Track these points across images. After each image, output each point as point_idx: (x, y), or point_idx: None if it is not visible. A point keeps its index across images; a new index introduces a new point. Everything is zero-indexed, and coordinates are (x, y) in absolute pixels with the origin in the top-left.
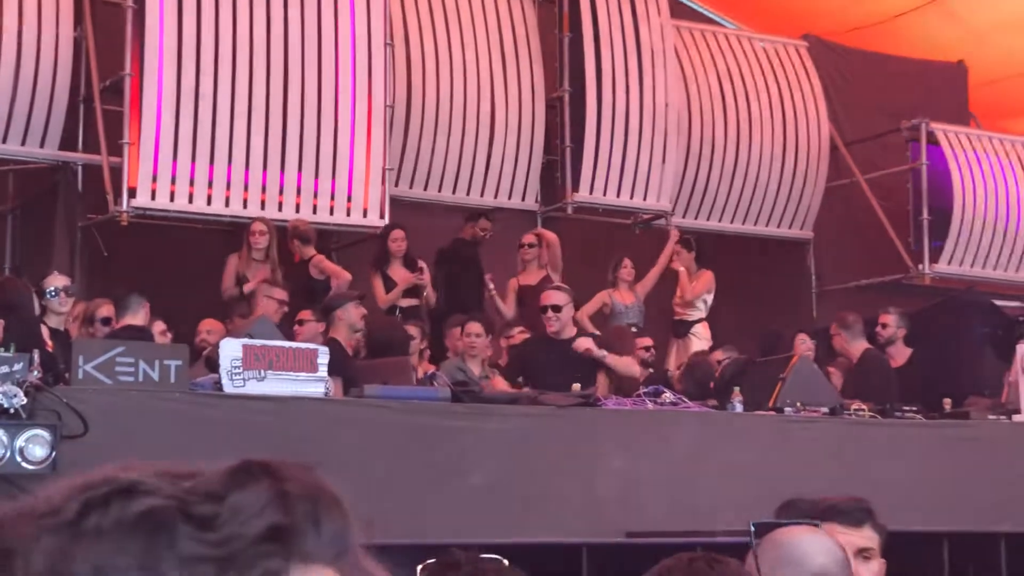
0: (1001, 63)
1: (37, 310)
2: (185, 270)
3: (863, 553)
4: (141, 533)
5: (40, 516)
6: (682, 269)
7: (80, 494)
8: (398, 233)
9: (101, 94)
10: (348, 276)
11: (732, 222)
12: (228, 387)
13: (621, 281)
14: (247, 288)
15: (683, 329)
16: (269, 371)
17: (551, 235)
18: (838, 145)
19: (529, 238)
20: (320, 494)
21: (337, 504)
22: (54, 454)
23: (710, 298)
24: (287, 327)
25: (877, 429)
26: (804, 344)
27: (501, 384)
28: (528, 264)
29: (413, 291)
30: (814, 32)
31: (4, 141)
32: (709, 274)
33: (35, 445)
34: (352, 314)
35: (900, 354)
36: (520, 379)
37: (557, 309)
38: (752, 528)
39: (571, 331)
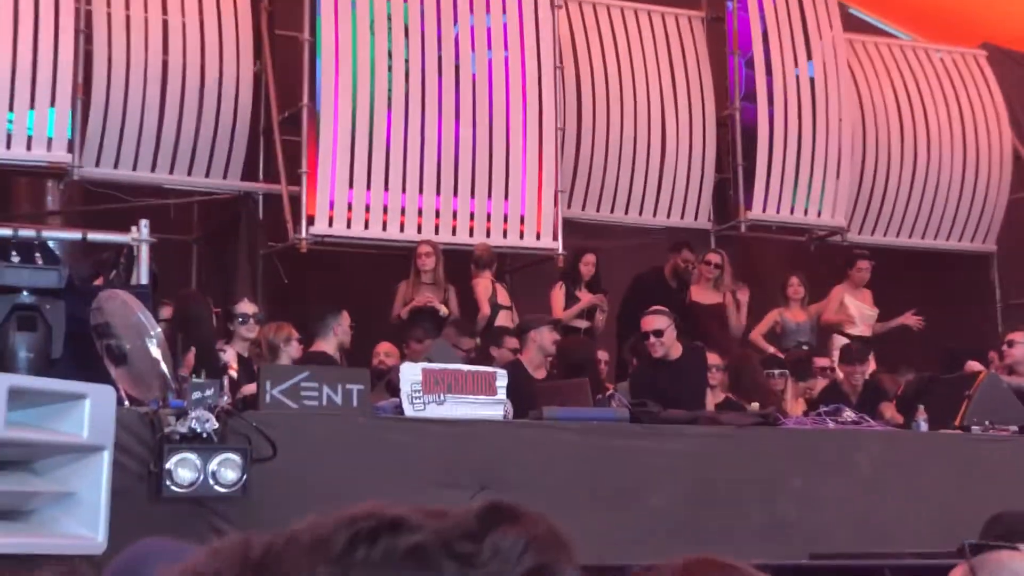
0: None
1: (222, 334)
2: (362, 296)
3: None
4: (409, 567)
5: (310, 548)
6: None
7: (348, 527)
8: (590, 257)
9: (280, 125)
10: (486, 312)
11: (911, 237)
12: (409, 411)
13: (791, 300)
14: (404, 311)
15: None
16: (448, 394)
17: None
18: (1021, 155)
19: (715, 258)
20: (560, 539)
21: (571, 549)
22: (245, 477)
23: (871, 314)
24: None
25: None
26: (994, 363)
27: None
28: (705, 282)
29: (588, 314)
30: (993, 40)
31: (189, 173)
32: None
33: (227, 468)
34: (546, 337)
35: None
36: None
37: (659, 334)
38: (967, 546)
39: (677, 351)
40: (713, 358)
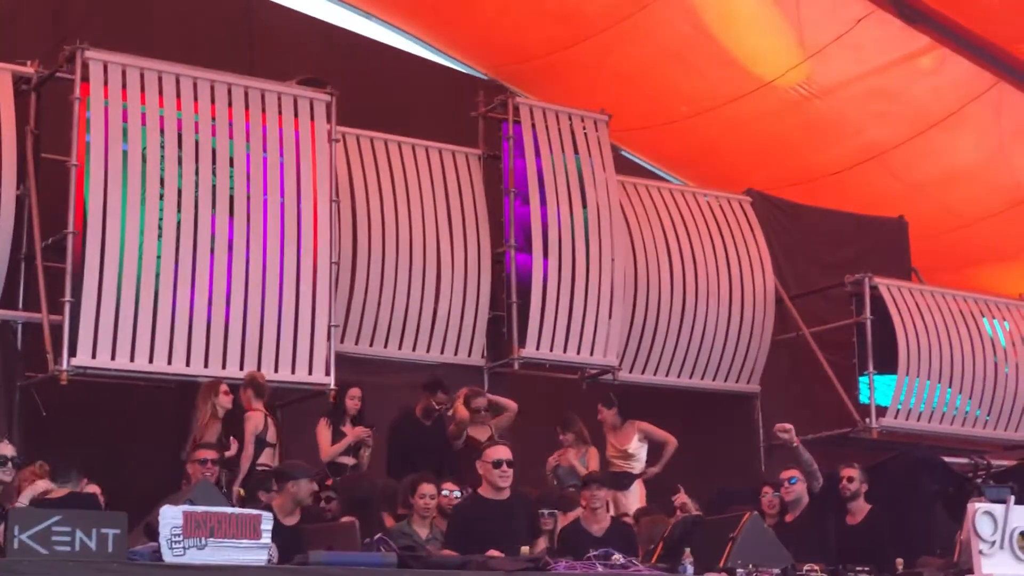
0: (941, 217)
1: None
2: (126, 427)
3: None
4: None
5: None
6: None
7: None
8: (355, 391)
9: (43, 252)
10: (249, 454)
11: (679, 376)
12: (168, 556)
13: (564, 444)
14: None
15: (627, 481)
16: (210, 539)
17: (510, 404)
18: (783, 298)
19: (481, 402)
20: None
21: None
22: None
23: (644, 448)
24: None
25: None
26: (767, 497)
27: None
28: (477, 424)
29: (354, 450)
30: (756, 187)
31: None
32: (639, 424)
33: None
34: (303, 490)
35: (860, 511)
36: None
37: (511, 464)
38: None
39: (506, 491)
40: None
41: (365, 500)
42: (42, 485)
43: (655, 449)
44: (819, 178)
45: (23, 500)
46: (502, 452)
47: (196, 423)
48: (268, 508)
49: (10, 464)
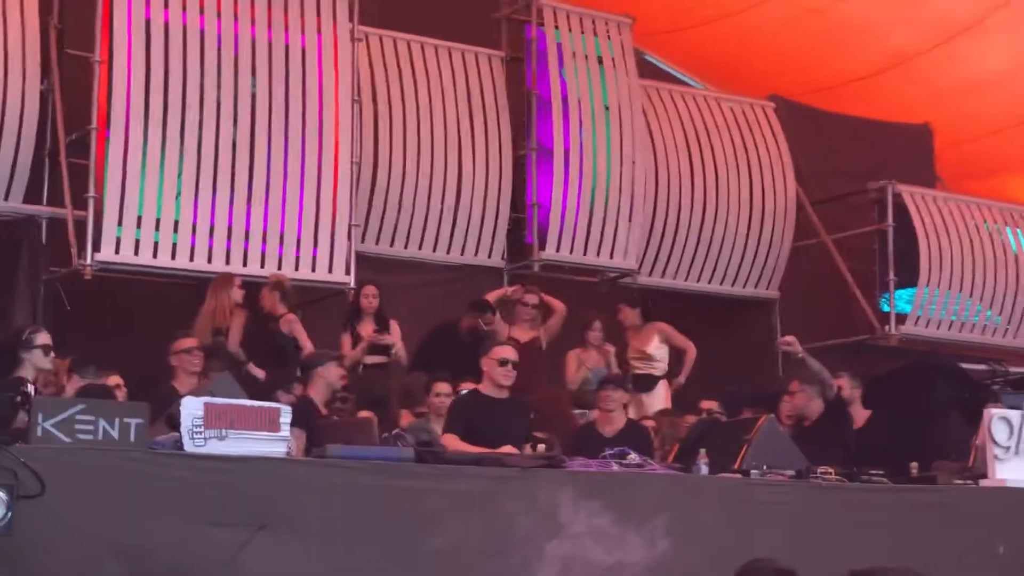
0: (966, 125)
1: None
2: (148, 324)
3: None
4: None
5: None
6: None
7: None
8: (370, 289)
9: (67, 148)
10: (311, 348)
11: (698, 281)
12: (188, 446)
13: (589, 344)
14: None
15: (650, 383)
16: (230, 430)
17: (559, 305)
18: (804, 205)
19: (532, 299)
20: None
21: None
22: (10, 514)
23: (665, 350)
24: None
25: (844, 493)
26: (786, 404)
27: (454, 443)
28: (522, 323)
29: (381, 349)
30: (780, 93)
31: None
32: (659, 325)
33: None
34: (332, 373)
35: (859, 415)
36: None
37: (516, 365)
38: None
39: (506, 392)
40: None
41: (379, 398)
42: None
43: (675, 354)
44: (843, 84)
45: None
46: (509, 352)
47: (199, 315)
48: (307, 399)
49: (52, 353)
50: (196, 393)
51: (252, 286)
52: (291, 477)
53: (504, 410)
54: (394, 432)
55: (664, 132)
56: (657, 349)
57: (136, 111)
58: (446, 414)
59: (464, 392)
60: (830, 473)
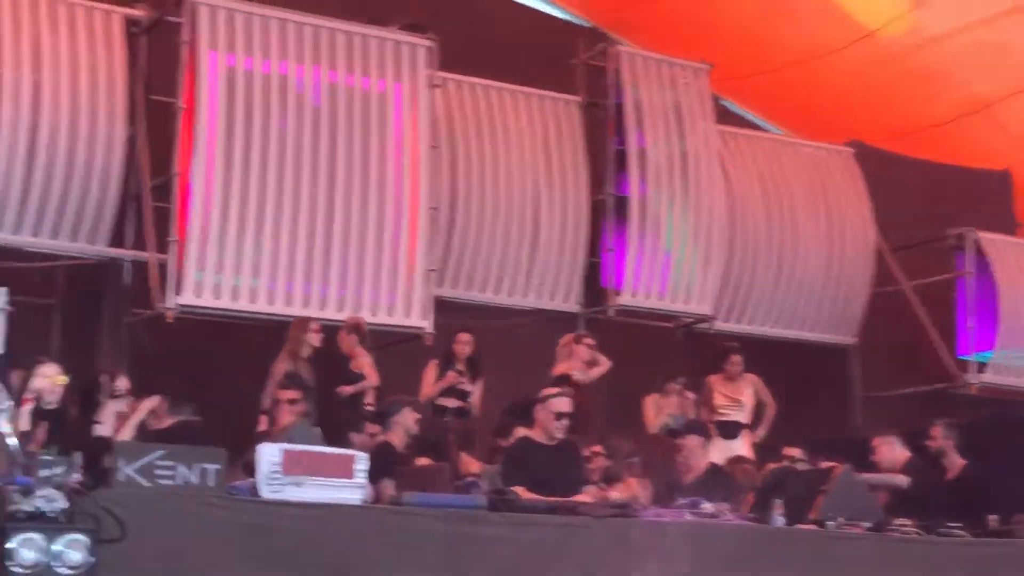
0: None
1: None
2: (229, 365)
3: None
4: None
5: None
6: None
7: None
8: (464, 336)
9: (151, 192)
10: (376, 383)
11: (775, 327)
12: (265, 492)
13: (670, 391)
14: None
15: (733, 430)
16: (307, 477)
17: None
18: (883, 251)
19: (592, 341)
20: None
21: None
22: (92, 559)
23: (753, 401)
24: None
25: (921, 546)
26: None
27: (525, 493)
28: (578, 362)
29: (460, 394)
30: (859, 138)
31: (55, 237)
32: (753, 377)
33: (73, 550)
34: (408, 418)
35: (953, 465)
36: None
37: (571, 417)
38: None
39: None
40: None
41: (435, 443)
42: (154, 407)
43: (757, 409)
44: (923, 130)
45: (132, 422)
46: (566, 406)
47: (277, 359)
48: (387, 445)
49: (129, 398)
50: (274, 440)
51: (330, 329)
52: (366, 524)
53: (558, 455)
54: (469, 480)
55: (741, 177)
56: (749, 399)
57: (218, 156)
58: (503, 463)
59: (516, 440)
60: (908, 525)
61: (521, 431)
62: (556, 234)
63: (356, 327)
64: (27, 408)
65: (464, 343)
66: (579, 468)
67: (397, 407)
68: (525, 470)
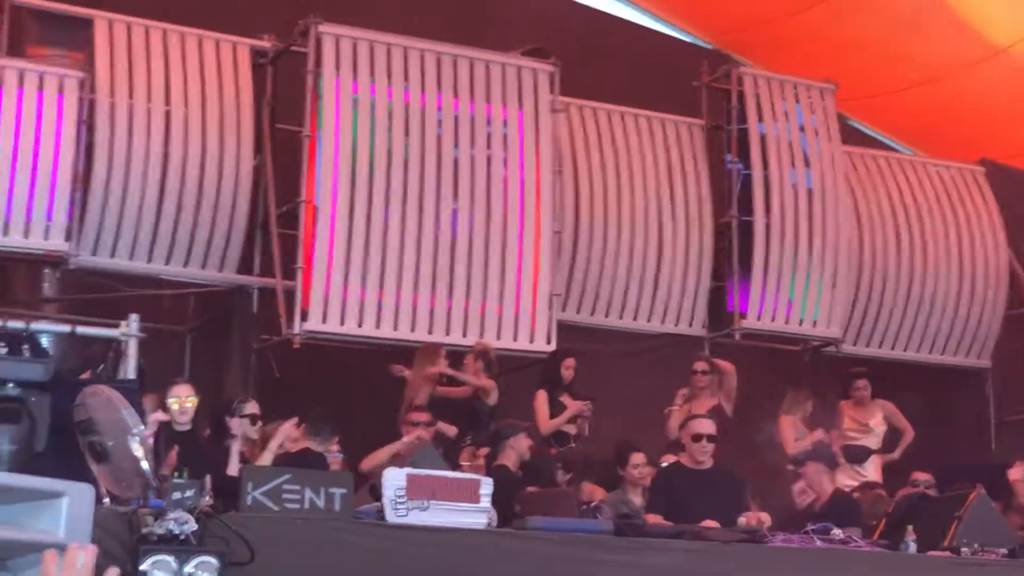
0: None
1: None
2: (354, 390)
3: None
4: None
5: None
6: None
7: None
8: (570, 361)
9: (278, 219)
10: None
11: (906, 350)
12: (391, 517)
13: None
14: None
15: (862, 455)
16: (432, 501)
17: (727, 365)
18: (1017, 272)
19: (702, 365)
20: None
21: None
22: None
23: (884, 427)
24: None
25: None
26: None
27: (656, 519)
28: (701, 392)
29: (571, 420)
30: (990, 156)
31: (186, 265)
32: (885, 403)
33: (204, 572)
34: (522, 443)
35: None
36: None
37: (712, 439)
38: None
39: (708, 462)
40: None
41: (541, 471)
42: (291, 432)
43: (892, 434)
44: None
45: (272, 445)
46: (705, 427)
47: (408, 385)
48: (504, 468)
49: (259, 423)
50: (399, 464)
51: (455, 354)
52: (492, 548)
53: (710, 482)
54: (593, 504)
55: (869, 198)
56: (878, 425)
57: (343, 183)
58: (649, 489)
59: (666, 465)
60: None
61: (670, 457)
62: (680, 257)
63: (483, 353)
64: (156, 418)
65: (570, 367)
66: (731, 494)
67: (513, 431)
68: (671, 497)
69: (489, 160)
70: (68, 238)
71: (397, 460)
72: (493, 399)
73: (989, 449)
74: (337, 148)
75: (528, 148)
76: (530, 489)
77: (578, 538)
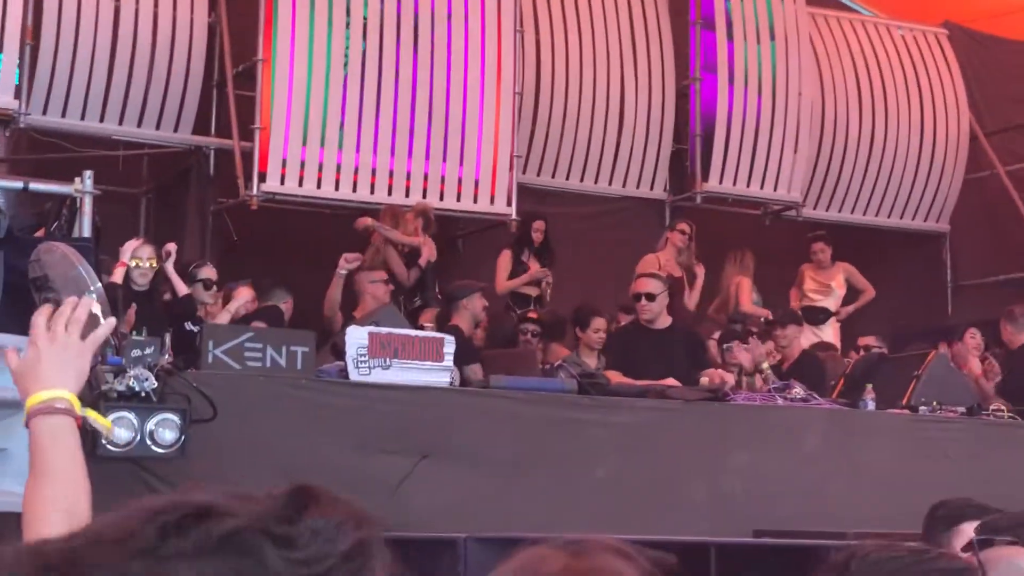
0: None
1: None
2: (311, 254)
3: None
4: (230, 554)
5: (116, 543)
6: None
7: (152, 520)
8: (539, 224)
9: (234, 79)
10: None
11: (865, 214)
12: (354, 375)
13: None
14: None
15: (822, 316)
16: (395, 359)
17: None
18: (978, 135)
19: (686, 227)
20: (371, 517)
21: (381, 527)
22: (183, 438)
23: (844, 289)
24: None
25: (1017, 430)
26: (974, 339)
27: (617, 377)
28: (672, 250)
29: (535, 282)
30: (954, 19)
31: (139, 125)
32: (846, 265)
33: (165, 429)
34: (476, 304)
35: None
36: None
37: (651, 298)
38: (975, 542)
39: (665, 320)
40: None
41: (509, 336)
42: (248, 295)
43: (854, 295)
44: (1018, 10)
45: (231, 307)
46: (642, 285)
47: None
48: (456, 329)
49: (214, 287)
50: (361, 323)
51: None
52: (455, 407)
53: (667, 341)
54: (557, 363)
55: (832, 61)
56: (839, 286)
57: (300, 41)
58: (605, 347)
59: (624, 324)
60: (1002, 410)
61: (626, 317)
62: (641, 120)
63: (422, 211)
64: (120, 271)
65: (539, 230)
66: (689, 351)
67: (467, 291)
68: (626, 354)
69: (450, 19)
70: (17, 96)
71: None
72: (427, 256)
73: (945, 313)
74: (294, 5)
75: (489, 7)
76: (494, 349)
77: (542, 396)
